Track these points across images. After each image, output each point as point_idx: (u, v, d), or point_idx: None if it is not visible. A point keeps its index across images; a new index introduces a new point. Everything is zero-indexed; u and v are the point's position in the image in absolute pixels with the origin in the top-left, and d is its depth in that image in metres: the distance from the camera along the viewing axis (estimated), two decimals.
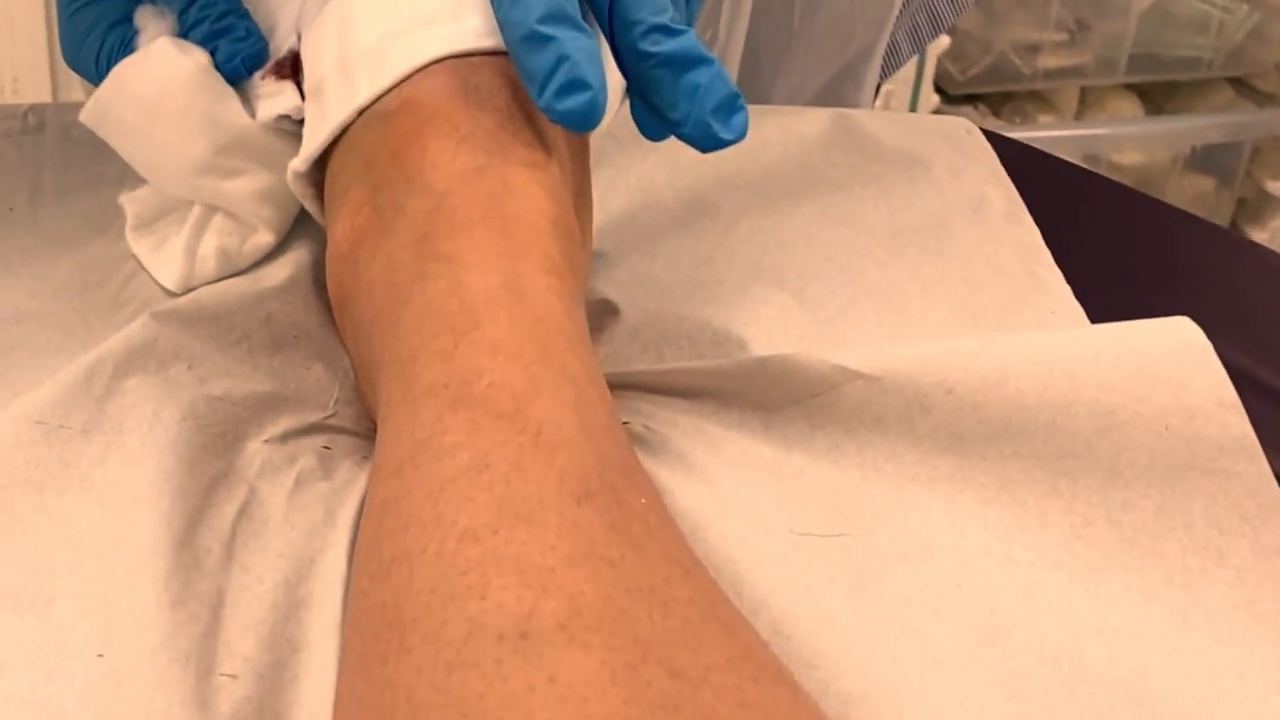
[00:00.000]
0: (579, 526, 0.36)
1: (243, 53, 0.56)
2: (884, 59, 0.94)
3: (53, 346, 0.55)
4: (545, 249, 0.45)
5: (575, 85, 0.45)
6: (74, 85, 2.35)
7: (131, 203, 0.60)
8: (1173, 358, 0.48)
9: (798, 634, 0.43)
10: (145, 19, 0.58)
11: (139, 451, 0.48)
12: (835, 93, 0.93)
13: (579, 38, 0.46)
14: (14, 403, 0.49)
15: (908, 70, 2.03)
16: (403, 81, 0.49)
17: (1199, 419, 0.47)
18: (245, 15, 0.58)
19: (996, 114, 2.28)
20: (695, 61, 0.47)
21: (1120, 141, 2.25)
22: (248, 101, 0.57)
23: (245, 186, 0.56)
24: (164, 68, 0.56)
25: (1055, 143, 2.21)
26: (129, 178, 0.63)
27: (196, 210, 0.57)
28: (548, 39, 0.46)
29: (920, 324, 0.58)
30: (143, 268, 0.59)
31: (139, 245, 0.59)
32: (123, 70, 0.56)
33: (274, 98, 0.56)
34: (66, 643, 0.42)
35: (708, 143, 0.47)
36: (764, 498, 0.48)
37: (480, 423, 0.39)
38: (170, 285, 0.57)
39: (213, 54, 0.56)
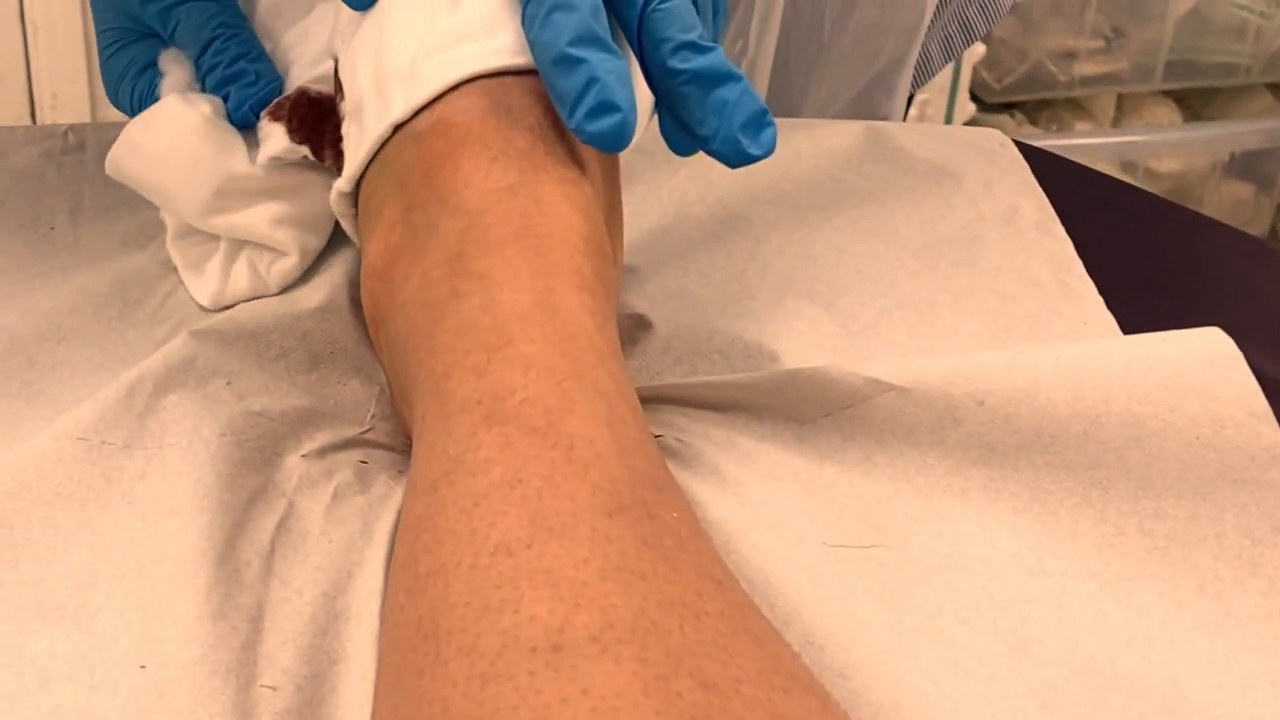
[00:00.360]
0: (611, 540, 0.37)
1: (251, 99, 0.58)
2: (916, 69, 0.95)
3: (93, 364, 0.56)
4: (577, 266, 0.45)
5: (605, 107, 0.46)
6: None
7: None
8: (1204, 368, 0.48)
9: (830, 645, 0.43)
10: (167, 64, 0.60)
11: (179, 467, 0.49)
12: (866, 103, 0.93)
13: (608, 59, 0.46)
14: (57, 419, 0.50)
15: (943, 79, 2.03)
16: (436, 100, 0.49)
17: (1230, 429, 0.47)
18: (258, 58, 0.59)
19: (1033, 122, 2.28)
20: (724, 78, 0.48)
21: (1158, 149, 2.25)
22: (256, 143, 0.58)
23: (256, 217, 0.58)
24: (171, 122, 0.58)
25: (1092, 150, 2.21)
26: None
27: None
28: (578, 61, 0.46)
29: (952, 336, 0.58)
30: (181, 282, 0.60)
31: (180, 257, 0.60)
32: (133, 130, 0.58)
33: (266, 141, 0.58)
34: (110, 654, 0.43)
35: (737, 158, 0.48)
36: (796, 510, 0.48)
37: (513, 439, 0.39)
38: (205, 303, 0.58)
39: (225, 100, 0.58)
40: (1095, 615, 0.45)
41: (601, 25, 0.47)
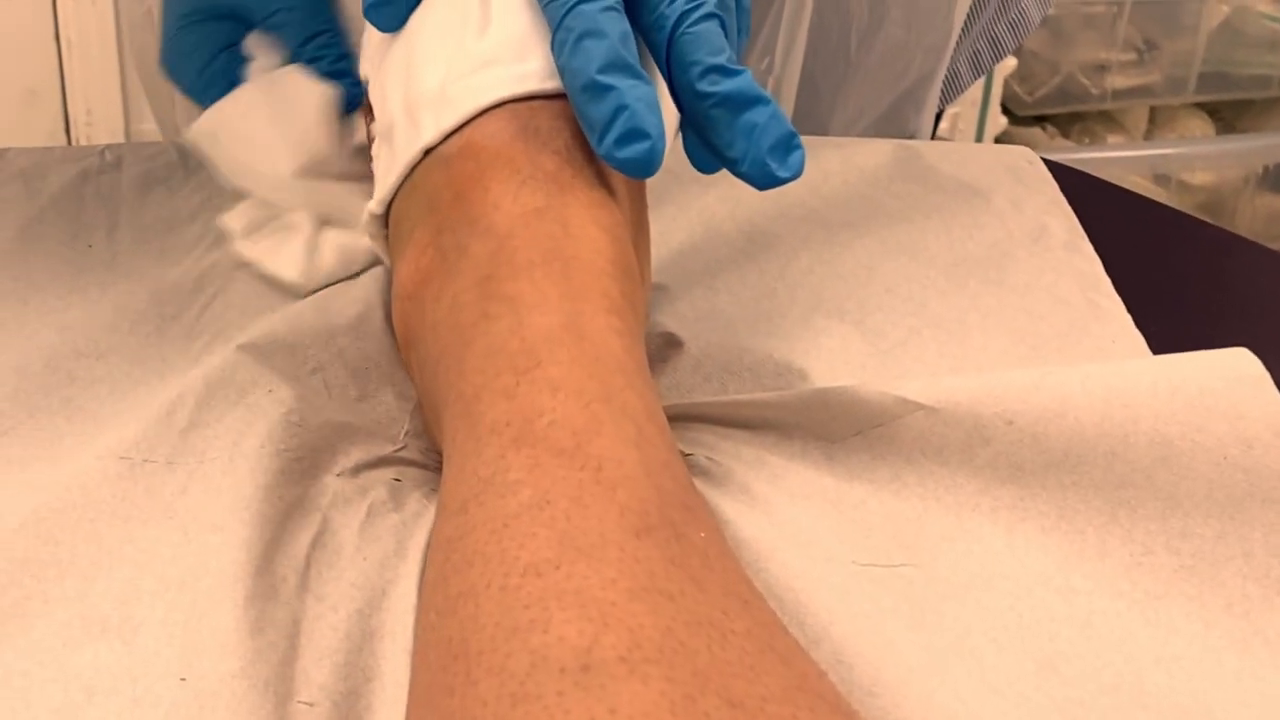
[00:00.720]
0: (639, 561, 0.37)
1: (355, 97, 0.60)
2: (945, 86, 0.95)
3: (132, 379, 0.56)
4: (605, 288, 0.46)
5: (634, 134, 0.46)
6: (146, 117, 2.38)
7: (237, 217, 0.62)
8: (1230, 388, 0.48)
9: (859, 663, 0.43)
10: (256, 48, 0.61)
11: (220, 481, 0.49)
12: (894, 120, 0.93)
13: (638, 86, 0.47)
14: (100, 437, 0.51)
15: (974, 92, 2.04)
16: (465, 124, 0.50)
17: (1257, 449, 0.47)
18: (353, 60, 0.61)
19: (1065, 135, 2.28)
20: (752, 101, 0.48)
21: (1191, 161, 2.24)
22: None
23: (350, 190, 0.60)
24: (298, 90, 0.60)
25: (1125, 163, 2.20)
26: (204, 212, 0.65)
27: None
28: (607, 89, 0.47)
29: (981, 354, 0.59)
30: (218, 295, 0.60)
31: (254, 249, 0.61)
32: (246, 93, 0.60)
33: (357, 132, 0.60)
34: (152, 668, 0.43)
35: (765, 181, 0.48)
36: (826, 528, 0.48)
37: (541, 460, 0.40)
38: (294, 278, 0.60)
39: None
40: (1123, 634, 0.45)
41: (630, 52, 0.48)
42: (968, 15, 0.91)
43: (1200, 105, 2.30)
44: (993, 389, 0.49)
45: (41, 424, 0.54)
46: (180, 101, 0.91)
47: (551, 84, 0.50)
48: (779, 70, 0.85)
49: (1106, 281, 0.64)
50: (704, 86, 0.49)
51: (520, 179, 0.48)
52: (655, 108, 0.47)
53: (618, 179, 0.51)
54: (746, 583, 0.40)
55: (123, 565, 0.47)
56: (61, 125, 2.35)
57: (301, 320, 0.58)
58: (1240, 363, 0.49)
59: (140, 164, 0.70)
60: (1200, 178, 2.27)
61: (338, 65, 0.60)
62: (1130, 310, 0.62)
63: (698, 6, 0.50)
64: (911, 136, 0.95)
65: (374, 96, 0.55)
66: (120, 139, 2.35)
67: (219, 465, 0.50)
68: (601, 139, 0.47)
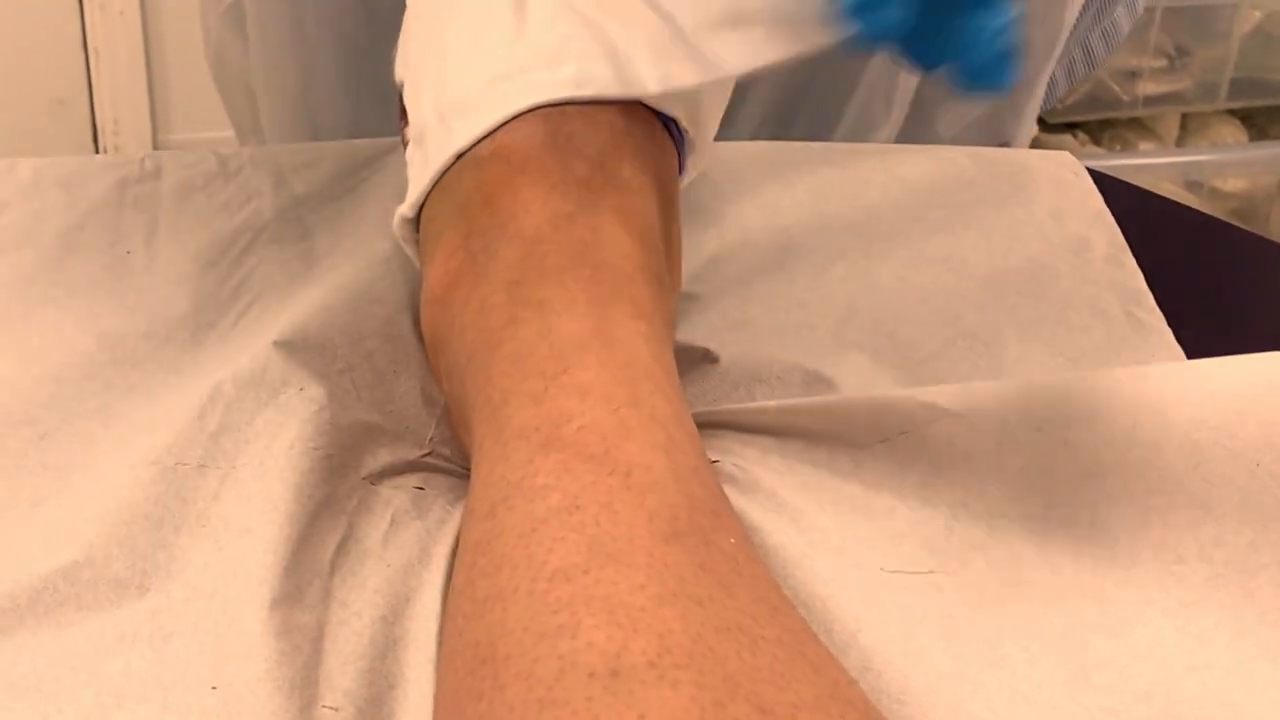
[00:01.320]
0: (668, 566, 0.37)
1: None
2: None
3: (167, 386, 0.56)
4: (634, 294, 0.46)
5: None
6: (173, 126, 2.40)
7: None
8: (1263, 394, 0.48)
9: (887, 670, 0.43)
10: None
11: (251, 486, 0.50)
12: (994, 124, 0.92)
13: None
14: (134, 442, 0.51)
15: None
16: (497, 129, 0.50)
17: None
18: None
19: (1096, 142, 2.27)
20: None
21: (1223, 168, 2.23)
22: None
23: None
24: None
25: (1157, 170, 2.19)
26: (242, 217, 0.65)
27: None
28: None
29: (1016, 368, 0.58)
30: (253, 303, 0.60)
31: None
32: None
33: None
34: (182, 676, 0.44)
35: (969, 84, 0.46)
36: (854, 535, 0.48)
37: (570, 465, 0.40)
38: None
39: None
40: (1155, 642, 0.45)
41: None
42: None
43: (1232, 112, 2.29)
44: (1021, 395, 0.49)
45: (78, 430, 0.54)
46: (263, 103, 0.91)
47: (585, 91, 0.50)
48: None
49: (1148, 295, 0.63)
50: None
51: (550, 184, 0.48)
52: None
53: (649, 184, 0.50)
54: (776, 589, 0.40)
55: (155, 573, 0.47)
56: (89, 135, 2.36)
57: (331, 321, 0.58)
58: (1273, 368, 0.49)
59: (179, 172, 0.70)
60: (1233, 184, 2.26)
61: None
62: (1177, 324, 0.62)
63: None
64: (1007, 144, 0.94)
65: (408, 99, 0.55)
66: (148, 148, 2.36)
67: (250, 470, 0.50)
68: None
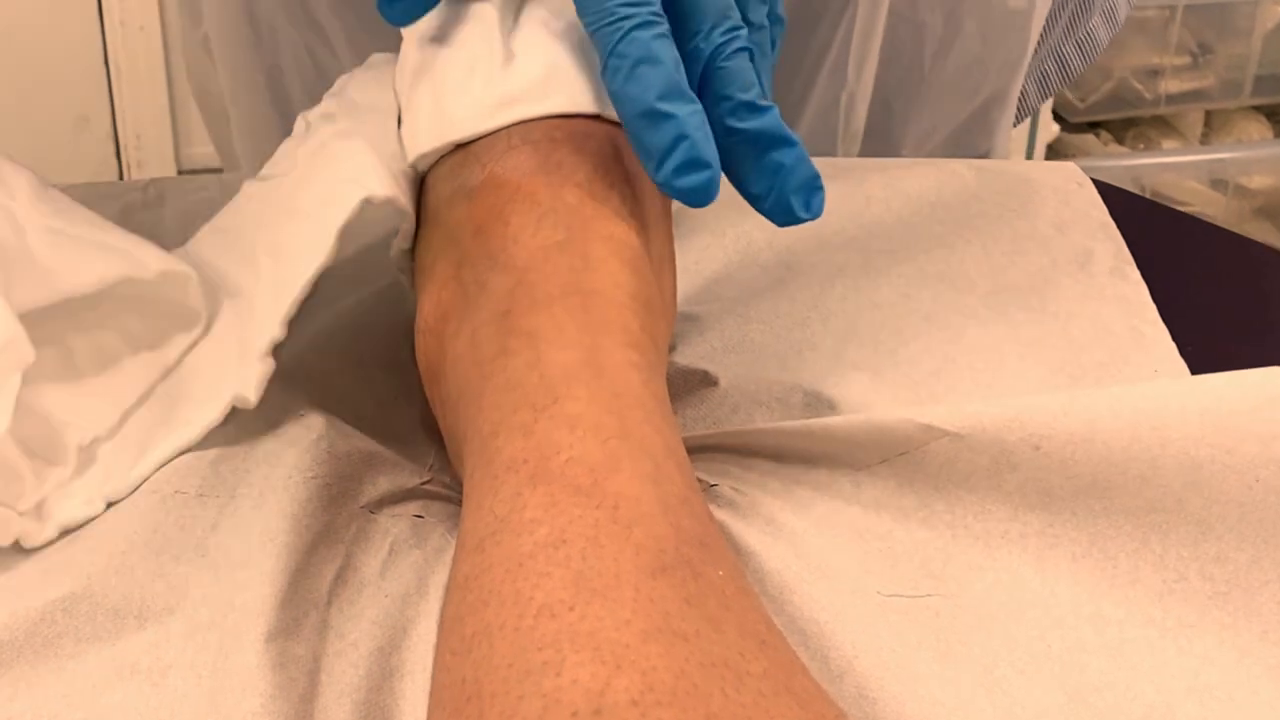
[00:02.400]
0: (654, 601, 0.37)
1: None
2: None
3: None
4: (625, 323, 0.46)
5: (694, 164, 0.46)
6: (195, 141, 2.41)
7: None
8: (1261, 409, 0.47)
9: (884, 698, 0.43)
10: None
11: (250, 515, 0.50)
12: (966, 138, 0.92)
13: (695, 113, 0.47)
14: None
15: None
16: (487, 158, 0.50)
17: None
18: None
19: (1120, 141, 2.26)
20: (779, 141, 0.49)
21: (1248, 165, 2.22)
22: None
23: None
24: None
25: (1181, 168, 2.19)
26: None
27: None
28: (667, 116, 0.47)
29: (1018, 384, 0.58)
30: None
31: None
32: None
33: None
34: (180, 710, 0.44)
35: (785, 219, 0.49)
36: (852, 559, 0.48)
37: (558, 498, 0.40)
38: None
39: None
40: (1155, 663, 0.45)
41: (683, 78, 0.48)
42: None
43: (1257, 108, 2.28)
44: (1018, 414, 0.49)
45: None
46: (237, 127, 0.92)
47: (573, 109, 0.51)
48: (851, 85, 0.84)
49: (1152, 309, 0.63)
50: (733, 122, 0.49)
51: (540, 212, 0.48)
52: (710, 137, 0.47)
53: (640, 211, 0.51)
54: (766, 621, 0.40)
55: (154, 604, 0.47)
56: (112, 151, 2.38)
57: (331, 349, 0.58)
58: (1271, 382, 0.48)
59: (182, 198, 0.70)
60: (1258, 181, 2.25)
61: None
62: (1182, 336, 0.61)
63: (732, 39, 0.50)
64: (984, 157, 0.94)
65: (403, 132, 0.55)
66: (170, 163, 2.38)
67: (249, 500, 0.50)
68: (660, 167, 0.47)
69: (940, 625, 0.46)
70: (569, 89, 0.51)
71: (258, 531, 0.49)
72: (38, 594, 0.47)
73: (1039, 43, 0.92)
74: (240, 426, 0.53)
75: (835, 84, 0.85)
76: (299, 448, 0.52)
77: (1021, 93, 0.94)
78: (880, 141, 0.89)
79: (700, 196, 0.47)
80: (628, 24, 0.48)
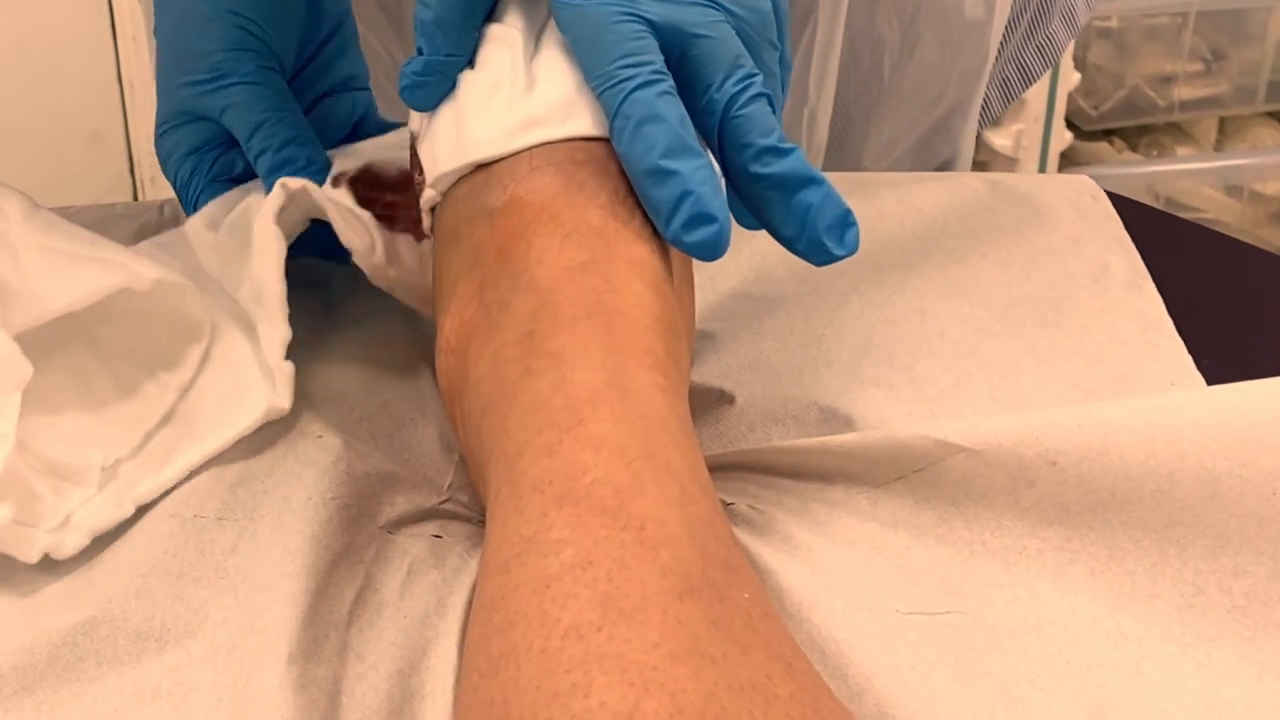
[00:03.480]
0: (681, 624, 0.37)
1: (314, 175, 0.60)
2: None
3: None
4: (648, 345, 0.46)
5: (701, 219, 0.47)
6: None
7: None
8: (1277, 420, 0.47)
9: (902, 715, 0.43)
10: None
11: (269, 539, 0.50)
12: (929, 148, 0.93)
13: (701, 168, 0.48)
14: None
15: (1038, 108, 2.02)
16: (509, 179, 0.50)
17: None
18: (306, 142, 0.61)
19: (1133, 148, 2.26)
20: (806, 181, 0.49)
21: (1263, 171, 2.22)
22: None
23: None
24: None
25: (1195, 175, 2.18)
26: None
27: None
28: (670, 173, 0.48)
29: (1035, 399, 0.58)
30: None
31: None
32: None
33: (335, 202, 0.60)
34: None
35: (822, 259, 0.50)
36: (870, 576, 0.48)
37: (584, 519, 0.40)
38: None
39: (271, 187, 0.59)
40: (1175, 679, 0.45)
41: (690, 133, 0.49)
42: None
43: (1271, 114, 2.27)
44: (1034, 429, 0.49)
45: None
46: None
47: (594, 132, 0.51)
48: (813, 101, 0.84)
49: (1168, 322, 0.63)
50: (757, 169, 0.50)
51: (564, 233, 0.48)
52: (719, 190, 0.48)
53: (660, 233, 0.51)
54: (791, 644, 0.40)
55: (174, 627, 0.47)
56: (126, 166, 2.38)
57: (348, 369, 0.58)
58: None
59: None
60: (1273, 187, 2.24)
61: (281, 154, 0.60)
62: (1198, 349, 0.61)
63: (747, 87, 0.50)
64: (947, 164, 0.95)
65: (423, 153, 0.55)
66: None
67: (268, 522, 0.51)
68: (668, 223, 0.48)
69: (959, 642, 0.46)
70: (591, 113, 0.51)
71: (277, 554, 0.49)
72: (59, 618, 0.48)
73: (999, 50, 0.92)
74: (258, 449, 0.53)
75: (797, 100, 0.85)
76: (317, 469, 0.52)
77: (984, 100, 0.95)
78: (842, 153, 0.89)
79: (709, 251, 0.48)
80: (629, 84, 0.49)
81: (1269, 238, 2.25)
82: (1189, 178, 2.20)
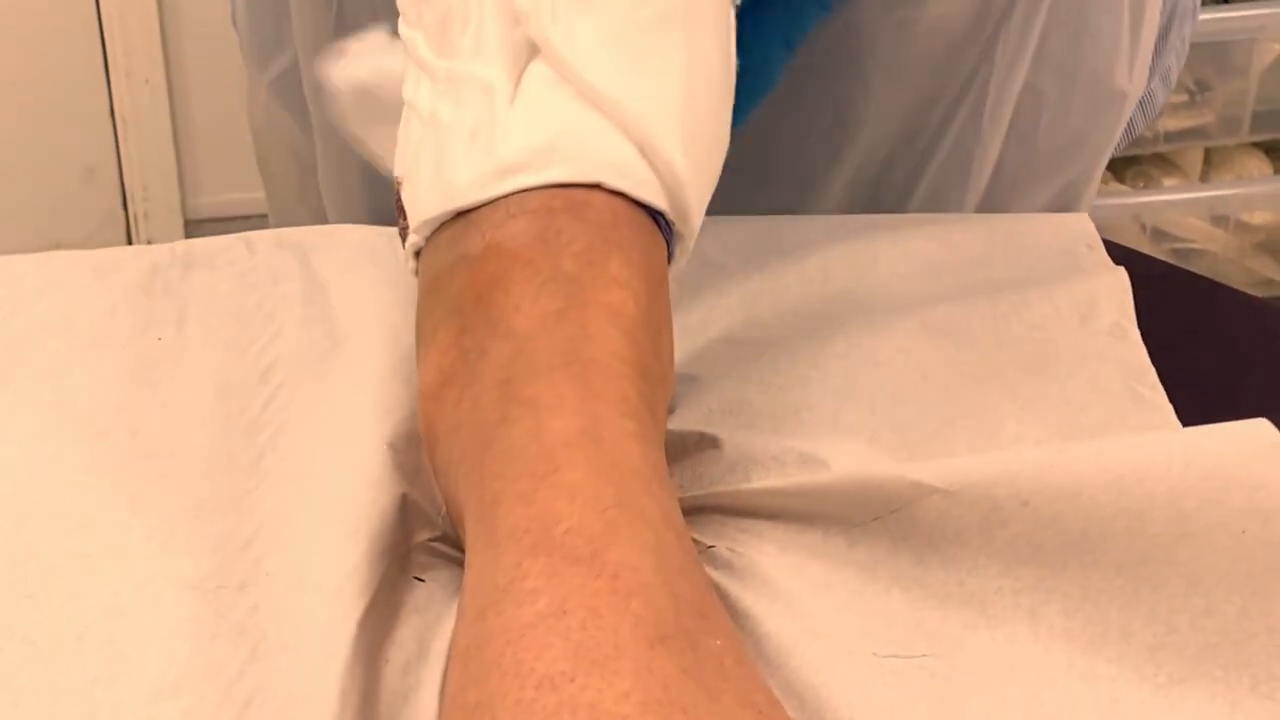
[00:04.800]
0: (653, 672, 0.38)
1: None
2: None
3: (197, 474, 0.57)
4: (623, 392, 0.47)
5: None
6: (201, 191, 2.43)
7: None
8: (1247, 460, 0.48)
9: None
10: None
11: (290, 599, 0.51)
12: (1066, 199, 0.90)
13: None
14: (173, 566, 0.53)
15: None
16: (487, 225, 0.51)
17: (1276, 521, 0.47)
18: None
19: (1120, 179, 2.27)
20: None
21: (1249, 201, 2.23)
22: None
23: None
24: None
25: (1182, 205, 2.19)
26: (269, 302, 0.66)
27: None
28: None
29: (1014, 447, 0.58)
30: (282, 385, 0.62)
31: None
32: None
33: None
34: None
35: None
36: (848, 619, 0.49)
37: (558, 568, 0.40)
38: None
39: None
40: None
41: None
42: None
43: (1256, 144, 2.29)
44: (1007, 469, 0.49)
45: (111, 522, 0.55)
46: (325, 177, 0.91)
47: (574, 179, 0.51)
48: (985, 142, 0.82)
49: (1151, 371, 0.63)
50: None
51: (540, 281, 0.49)
52: None
53: (638, 279, 0.51)
54: (763, 690, 0.40)
55: (191, 678, 0.48)
56: (119, 202, 2.39)
57: (344, 407, 0.59)
58: (1258, 433, 0.49)
59: (210, 257, 0.70)
60: (1259, 217, 2.25)
61: None
62: (1189, 400, 0.61)
63: None
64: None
65: (406, 198, 0.56)
66: (177, 214, 2.39)
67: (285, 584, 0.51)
68: None
69: (935, 686, 0.47)
70: (569, 158, 0.51)
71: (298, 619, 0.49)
72: (74, 672, 0.48)
73: None
74: (273, 526, 0.54)
75: (966, 142, 0.83)
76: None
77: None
78: (991, 204, 0.86)
79: None
80: None
81: (1256, 268, 2.26)
82: (1175, 208, 2.21)
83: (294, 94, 0.90)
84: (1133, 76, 0.85)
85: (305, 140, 0.91)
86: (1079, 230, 0.74)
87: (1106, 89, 0.85)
